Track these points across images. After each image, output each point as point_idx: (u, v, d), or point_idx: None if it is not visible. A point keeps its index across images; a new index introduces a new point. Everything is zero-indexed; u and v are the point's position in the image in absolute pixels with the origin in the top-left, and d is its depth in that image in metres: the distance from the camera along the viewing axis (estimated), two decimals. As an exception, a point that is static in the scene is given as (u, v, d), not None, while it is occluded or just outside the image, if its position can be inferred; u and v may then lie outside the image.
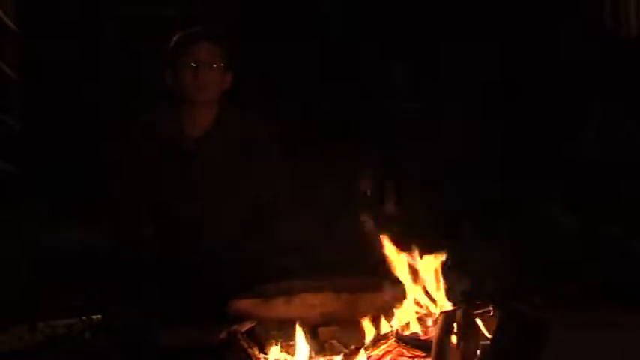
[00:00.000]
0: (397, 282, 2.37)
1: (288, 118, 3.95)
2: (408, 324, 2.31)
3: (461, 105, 4.49)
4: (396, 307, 2.33)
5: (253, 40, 4.35)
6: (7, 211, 3.41)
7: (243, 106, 3.23)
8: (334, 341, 2.31)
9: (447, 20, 4.49)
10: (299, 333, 2.21)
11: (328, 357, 2.23)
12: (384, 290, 2.39)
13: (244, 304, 2.49)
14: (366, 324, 2.29)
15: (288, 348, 2.24)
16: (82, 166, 4.10)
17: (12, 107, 4.12)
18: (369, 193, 3.98)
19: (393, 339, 2.26)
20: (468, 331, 2.16)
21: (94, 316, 2.50)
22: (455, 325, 2.16)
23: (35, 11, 4.24)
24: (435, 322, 2.25)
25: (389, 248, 2.38)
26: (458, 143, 4.33)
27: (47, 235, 3.29)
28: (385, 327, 2.31)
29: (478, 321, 2.25)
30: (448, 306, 2.32)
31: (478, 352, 2.14)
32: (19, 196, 3.67)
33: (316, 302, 2.45)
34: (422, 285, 2.38)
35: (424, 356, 2.20)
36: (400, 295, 2.36)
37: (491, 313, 2.31)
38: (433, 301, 2.38)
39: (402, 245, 2.40)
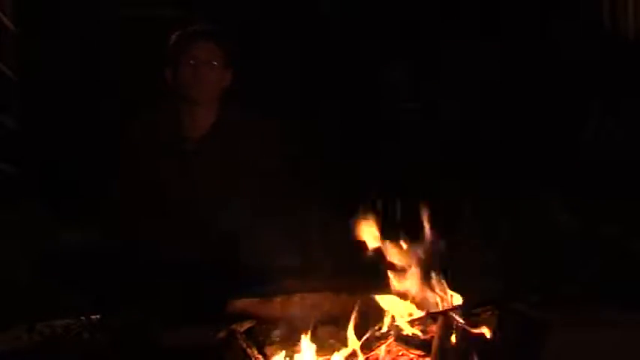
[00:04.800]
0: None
1: (288, 118, 3.95)
2: (407, 324, 2.30)
3: (460, 105, 4.49)
4: (395, 307, 2.33)
5: (253, 40, 4.35)
6: (7, 211, 3.41)
7: (243, 106, 3.23)
8: (333, 341, 2.31)
9: (447, 20, 4.49)
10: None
11: (327, 357, 2.23)
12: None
13: (243, 303, 2.49)
14: (366, 324, 2.29)
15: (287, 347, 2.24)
16: (82, 166, 4.10)
17: (11, 107, 4.12)
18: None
19: (393, 339, 2.26)
20: (468, 331, 2.16)
21: (93, 316, 2.50)
22: (455, 325, 2.16)
23: (34, 11, 4.24)
24: (435, 321, 2.25)
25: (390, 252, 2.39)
26: (457, 143, 4.33)
27: (47, 235, 3.29)
28: (385, 327, 2.31)
29: (477, 321, 2.25)
30: (448, 306, 2.32)
31: (477, 352, 2.14)
32: (18, 197, 3.67)
33: (315, 302, 2.45)
34: (421, 285, 2.38)
35: (424, 356, 2.20)
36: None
37: (491, 313, 2.31)
38: (433, 301, 2.38)
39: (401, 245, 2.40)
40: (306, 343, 2.23)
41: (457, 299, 2.33)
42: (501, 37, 4.41)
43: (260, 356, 2.23)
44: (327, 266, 2.68)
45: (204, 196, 3.11)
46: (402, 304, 2.35)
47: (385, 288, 2.39)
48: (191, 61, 3.10)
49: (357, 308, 2.26)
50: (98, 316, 2.51)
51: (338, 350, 2.24)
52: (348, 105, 4.54)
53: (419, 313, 2.35)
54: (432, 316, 2.29)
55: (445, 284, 2.39)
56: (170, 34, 3.18)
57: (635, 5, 4.13)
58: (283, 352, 2.23)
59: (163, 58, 3.15)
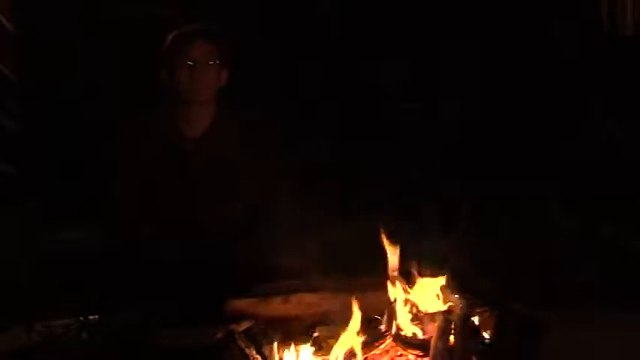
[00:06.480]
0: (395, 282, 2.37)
1: (287, 118, 3.95)
2: (406, 324, 2.30)
3: (460, 105, 4.49)
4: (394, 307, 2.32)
5: (253, 40, 4.35)
6: (6, 212, 3.41)
7: (241, 105, 3.23)
8: (332, 341, 2.30)
9: (447, 20, 4.49)
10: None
11: (326, 357, 2.23)
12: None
13: (242, 303, 2.49)
14: (364, 323, 2.28)
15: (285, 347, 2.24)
16: (81, 167, 4.11)
17: (10, 108, 4.12)
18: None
19: (391, 339, 2.26)
20: (466, 331, 2.16)
21: (92, 317, 2.50)
22: (453, 325, 2.16)
23: (33, 11, 4.24)
24: (433, 321, 2.24)
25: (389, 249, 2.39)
26: (457, 143, 4.33)
27: (46, 235, 3.29)
28: (383, 326, 2.31)
29: (476, 321, 2.25)
30: (446, 306, 2.32)
31: (476, 352, 2.14)
32: (18, 197, 3.67)
33: (313, 302, 2.45)
34: (420, 285, 2.38)
35: (422, 356, 2.20)
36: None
37: (490, 314, 2.31)
38: (431, 301, 2.38)
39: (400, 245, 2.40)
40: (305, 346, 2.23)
41: (455, 299, 2.32)
42: (501, 37, 4.41)
43: (258, 356, 2.23)
44: (327, 266, 2.68)
45: (202, 196, 3.11)
46: (401, 304, 2.34)
47: (384, 288, 2.38)
48: (188, 62, 3.09)
49: (356, 308, 2.26)
50: (97, 317, 2.51)
51: (337, 350, 2.23)
52: (348, 105, 4.53)
53: (418, 313, 2.35)
54: (430, 316, 2.29)
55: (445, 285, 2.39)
56: (169, 33, 3.17)
57: (633, 5, 4.13)
58: (282, 353, 2.23)
59: (159, 58, 3.15)
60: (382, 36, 4.55)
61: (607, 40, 4.21)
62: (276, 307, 2.46)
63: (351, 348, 2.20)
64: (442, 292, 2.34)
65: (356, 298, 2.24)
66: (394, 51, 4.57)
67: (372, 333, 2.28)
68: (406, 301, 2.33)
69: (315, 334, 2.33)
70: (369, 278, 2.48)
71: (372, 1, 4.59)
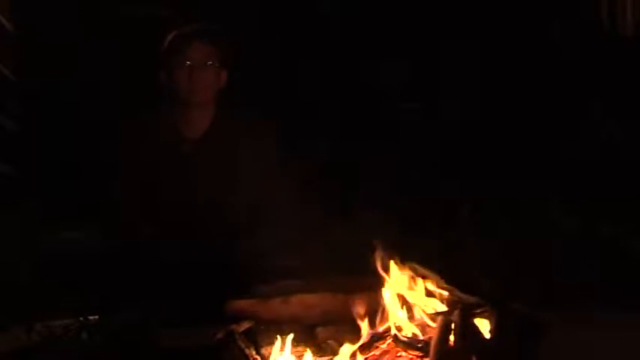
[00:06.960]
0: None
1: (287, 119, 3.95)
2: (405, 324, 2.30)
3: (460, 105, 4.49)
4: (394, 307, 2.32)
5: (253, 40, 4.35)
6: (6, 212, 3.41)
7: (241, 106, 3.23)
8: (331, 341, 2.31)
9: (447, 20, 4.49)
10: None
11: (325, 357, 2.23)
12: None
13: (242, 304, 2.49)
14: (364, 324, 2.28)
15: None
16: (81, 167, 4.11)
17: (10, 108, 4.12)
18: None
19: (391, 339, 2.26)
20: (466, 331, 2.16)
21: (92, 317, 2.50)
22: (453, 325, 2.16)
23: (33, 11, 4.24)
24: (433, 322, 2.25)
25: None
26: (457, 143, 4.33)
27: (46, 235, 3.29)
28: (383, 327, 2.31)
29: (476, 321, 2.25)
30: (446, 306, 2.32)
31: (476, 352, 2.14)
32: (18, 197, 3.67)
33: (314, 302, 2.45)
34: (419, 285, 2.38)
35: (422, 357, 2.19)
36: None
37: (490, 314, 2.31)
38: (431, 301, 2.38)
39: (399, 245, 2.40)
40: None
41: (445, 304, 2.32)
42: (501, 37, 4.41)
43: (258, 357, 2.23)
44: (327, 266, 2.68)
45: (202, 197, 3.11)
46: (400, 305, 2.34)
47: (383, 288, 2.38)
48: (186, 63, 3.08)
49: (355, 308, 2.26)
50: (97, 317, 2.51)
51: (336, 351, 2.23)
52: (348, 105, 4.53)
53: (417, 314, 2.35)
54: (430, 317, 2.29)
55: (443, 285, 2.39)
56: (168, 33, 3.17)
57: (633, 5, 4.14)
58: (281, 353, 2.23)
59: (158, 59, 3.14)
60: (382, 36, 4.55)
61: (607, 40, 4.21)
62: (276, 307, 2.46)
63: (351, 349, 2.21)
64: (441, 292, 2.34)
65: (356, 299, 2.25)
66: (394, 51, 4.57)
67: (372, 334, 2.28)
68: (405, 301, 2.33)
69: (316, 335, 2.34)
70: (369, 278, 2.48)
71: (372, 1, 4.59)
